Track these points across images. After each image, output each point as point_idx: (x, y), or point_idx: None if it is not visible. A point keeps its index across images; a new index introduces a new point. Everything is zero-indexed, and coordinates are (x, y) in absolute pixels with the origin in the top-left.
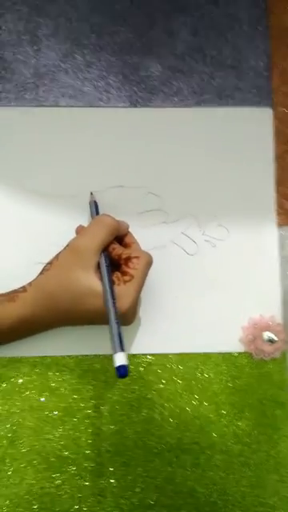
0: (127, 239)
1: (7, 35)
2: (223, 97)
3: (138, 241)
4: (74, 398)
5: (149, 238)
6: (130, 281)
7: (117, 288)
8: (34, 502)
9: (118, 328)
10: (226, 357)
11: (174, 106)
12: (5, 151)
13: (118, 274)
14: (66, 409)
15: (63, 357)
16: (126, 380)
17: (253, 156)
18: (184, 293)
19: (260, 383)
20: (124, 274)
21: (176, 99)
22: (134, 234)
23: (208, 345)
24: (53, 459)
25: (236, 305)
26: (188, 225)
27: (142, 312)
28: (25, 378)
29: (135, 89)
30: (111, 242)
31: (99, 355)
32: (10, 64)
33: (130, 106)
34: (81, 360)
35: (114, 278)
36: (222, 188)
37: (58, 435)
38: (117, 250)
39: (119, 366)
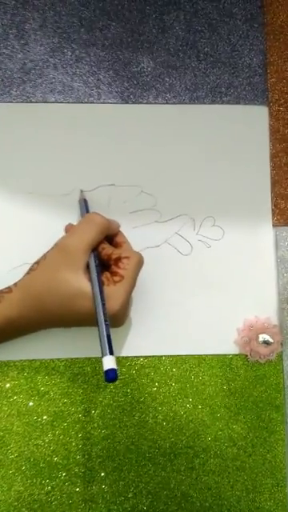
0: (118, 239)
1: None
2: (217, 94)
3: (131, 241)
4: (64, 403)
5: (141, 238)
6: (120, 281)
7: (106, 289)
8: (23, 510)
9: (107, 330)
10: (221, 359)
11: (167, 103)
12: None
13: (107, 274)
14: (56, 413)
15: (52, 360)
16: (118, 383)
17: (248, 155)
18: (178, 294)
19: (255, 386)
20: (114, 274)
21: (169, 96)
22: (126, 234)
23: (202, 347)
24: (42, 465)
25: (231, 306)
26: (182, 224)
27: (135, 313)
28: (12, 382)
29: (126, 85)
30: (101, 242)
31: (90, 358)
32: None
33: (121, 103)
34: (71, 363)
35: (104, 279)
36: (216, 187)
37: (47, 440)
38: (106, 249)
39: (108, 370)
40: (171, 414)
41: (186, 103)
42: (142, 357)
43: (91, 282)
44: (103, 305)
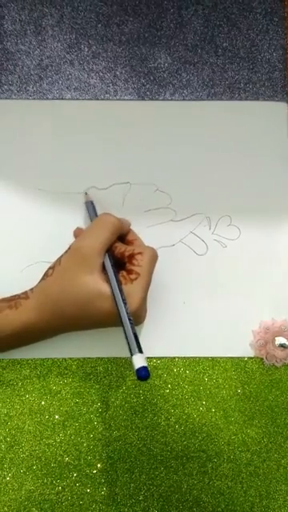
0: (129, 237)
1: (10, 25)
2: (236, 90)
3: (145, 240)
4: (76, 402)
5: (156, 237)
6: (136, 279)
7: (124, 288)
8: (33, 509)
9: (133, 329)
10: (236, 362)
11: (184, 99)
12: (6, 146)
13: (123, 273)
14: (68, 413)
15: (65, 359)
16: (130, 384)
17: (267, 152)
18: (192, 294)
19: (271, 390)
20: (129, 272)
21: (186, 92)
22: (141, 233)
23: (217, 349)
24: (53, 465)
25: (247, 308)
26: (197, 224)
27: (148, 313)
28: (25, 380)
29: (143, 81)
30: (114, 241)
31: (102, 358)
32: (13, 55)
33: (137, 99)
34: (83, 363)
35: (121, 278)
36: (233, 185)
37: (58, 440)
38: (119, 248)
39: (139, 368)
40: (184, 417)
41: (203, 99)
42: (154, 358)
43: (109, 283)
44: (125, 304)
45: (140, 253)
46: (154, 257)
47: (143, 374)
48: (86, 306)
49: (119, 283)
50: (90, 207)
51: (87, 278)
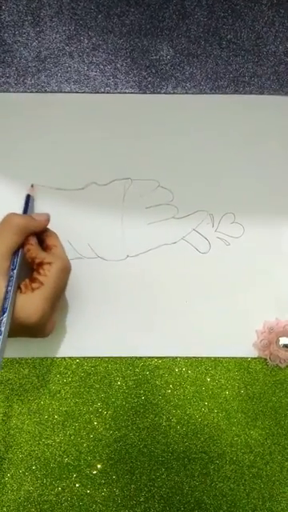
0: (49, 241)
1: (8, 16)
2: (240, 83)
3: (146, 238)
4: (76, 402)
5: (157, 235)
6: (38, 288)
7: (22, 296)
8: (32, 510)
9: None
10: (239, 362)
11: (187, 93)
12: (4, 140)
13: (26, 281)
14: (67, 413)
15: (64, 358)
16: (131, 384)
17: (272, 148)
18: (195, 293)
19: (274, 391)
20: (33, 280)
21: (188, 85)
22: (142, 230)
23: (219, 349)
24: (53, 465)
25: (250, 307)
26: (200, 221)
27: (149, 312)
28: (24, 380)
29: (144, 74)
30: (28, 242)
31: (102, 357)
32: (11, 47)
33: (138, 92)
34: (83, 362)
35: (22, 286)
36: (237, 182)
37: (58, 440)
38: (31, 252)
39: None
40: (185, 418)
41: (206, 93)
42: (156, 357)
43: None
44: (3, 313)
45: (49, 263)
46: (63, 269)
47: None
48: None
49: (13, 289)
50: (27, 201)
51: None
